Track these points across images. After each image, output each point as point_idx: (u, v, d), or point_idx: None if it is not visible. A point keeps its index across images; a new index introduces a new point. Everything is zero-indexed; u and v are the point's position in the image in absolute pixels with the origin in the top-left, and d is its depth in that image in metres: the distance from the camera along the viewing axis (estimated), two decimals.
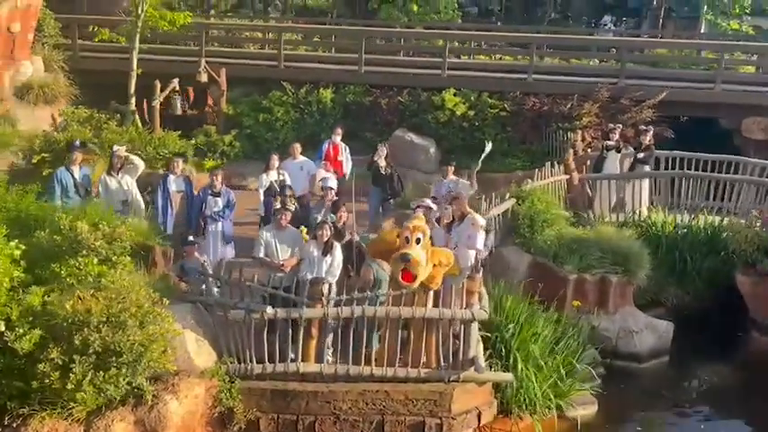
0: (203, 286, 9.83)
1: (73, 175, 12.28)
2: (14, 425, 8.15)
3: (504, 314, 10.49)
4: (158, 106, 16.79)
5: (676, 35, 29.59)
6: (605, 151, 16.09)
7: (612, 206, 15.71)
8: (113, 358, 8.11)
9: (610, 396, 11.46)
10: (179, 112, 17.39)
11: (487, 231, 12.07)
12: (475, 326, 9.48)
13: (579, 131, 17.46)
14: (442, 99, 18.88)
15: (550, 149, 18.33)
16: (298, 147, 14.84)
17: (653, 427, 11.34)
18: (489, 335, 10.30)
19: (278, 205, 10.47)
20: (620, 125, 16.29)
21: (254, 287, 9.18)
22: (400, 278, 9.02)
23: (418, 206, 10.90)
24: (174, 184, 12.36)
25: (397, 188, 14.57)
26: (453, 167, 13.30)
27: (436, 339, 9.44)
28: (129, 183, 12.47)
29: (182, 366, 9.07)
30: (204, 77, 19.31)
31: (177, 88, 17.04)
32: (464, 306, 9.48)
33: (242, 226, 13.68)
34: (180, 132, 16.60)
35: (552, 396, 10.25)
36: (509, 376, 9.77)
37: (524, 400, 10.13)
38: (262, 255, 10.04)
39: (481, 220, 10.68)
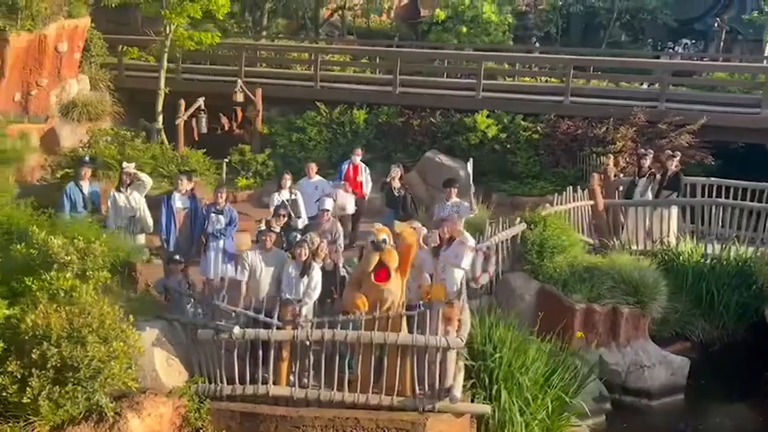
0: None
1: (81, 191, 12.49)
2: None
3: (492, 343, 10.05)
4: (182, 124, 16.97)
5: (743, 58, 28.44)
6: (637, 177, 15.50)
7: (646, 234, 15.09)
8: (71, 374, 8.07)
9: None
10: (204, 130, 17.56)
11: (486, 256, 11.73)
12: (452, 354, 9.11)
13: (611, 156, 16.83)
14: (474, 121, 18.56)
15: (584, 174, 17.76)
16: (313, 167, 14.80)
17: None
18: (474, 364, 9.90)
19: (263, 226, 10.33)
20: (652, 150, 15.63)
21: (222, 307, 9.05)
22: (373, 279, 8.80)
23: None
24: (178, 202, 12.39)
25: (410, 210, 14.31)
26: (456, 190, 12.93)
27: (411, 366, 9.11)
28: (137, 199, 12.60)
29: (149, 384, 9.02)
30: (240, 97, 19.51)
31: (203, 107, 17.18)
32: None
33: None
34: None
35: (539, 431, 9.76)
36: (486, 408, 9.37)
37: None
38: (244, 277, 9.91)
39: (471, 241, 10.33)
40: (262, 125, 20.00)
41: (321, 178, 14.82)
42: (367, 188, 15.71)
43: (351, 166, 15.66)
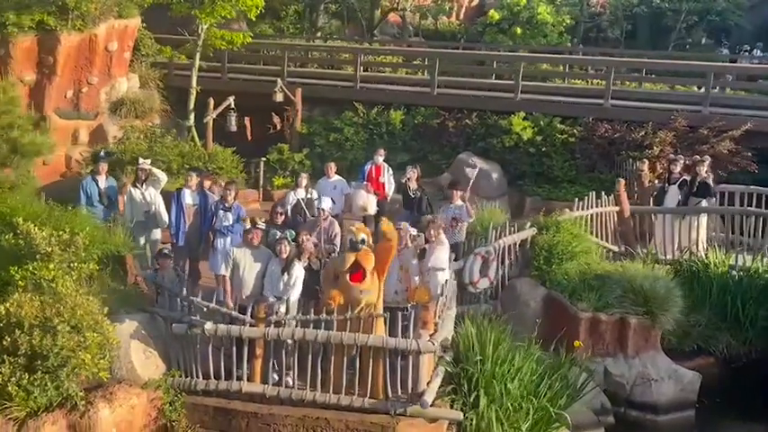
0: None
1: (98, 185, 12.83)
2: None
3: (474, 348, 9.84)
4: (211, 123, 17.25)
5: None
6: (667, 184, 14.98)
7: (673, 243, 14.55)
8: (39, 362, 8.30)
9: None
10: (234, 128, 17.80)
11: (485, 260, 11.52)
12: (424, 358, 8.96)
13: (646, 161, 16.27)
14: (509, 123, 18.25)
15: (620, 178, 17.20)
16: (332, 166, 14.84)
17: None
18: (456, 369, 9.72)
19: (259, 225, 10.32)
20: (682, 156, 15.06)
21: (196, 302, 9.15)
22: (349, 280, 8.76)
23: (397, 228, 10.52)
24: (188, 198, 12.62)
25: (425, 211, 14.12)
26: (461, 193, 12.72)
27: (384, 369, 9.01)
28: (152, 194, 12.89)
29: (125, 376, 9.20)
30: (280, 97, 19.69)
31: (232, 105, 17.43)
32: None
33: None
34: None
35: None
36: (458, 415, 9.16)
37: None
38: (227, 272, 9.99)
39: (447, 242, 10.16)
40: (301, 125, 20.13)
41: (340, 178, 14.83)
42: (389, 189, 15.62)
43: (373, 166, 15.61)
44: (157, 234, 13.05)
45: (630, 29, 32.27)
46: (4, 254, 9.30)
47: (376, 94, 20.35)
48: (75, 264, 9.25)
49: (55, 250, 9.05)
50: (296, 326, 9.06)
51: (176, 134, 17.00)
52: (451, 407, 9.47)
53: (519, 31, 26.56)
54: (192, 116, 17.73)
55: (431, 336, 9.01)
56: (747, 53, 33.69)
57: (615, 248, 14.45)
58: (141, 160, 13.08)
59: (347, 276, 8.87)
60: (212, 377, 9.32)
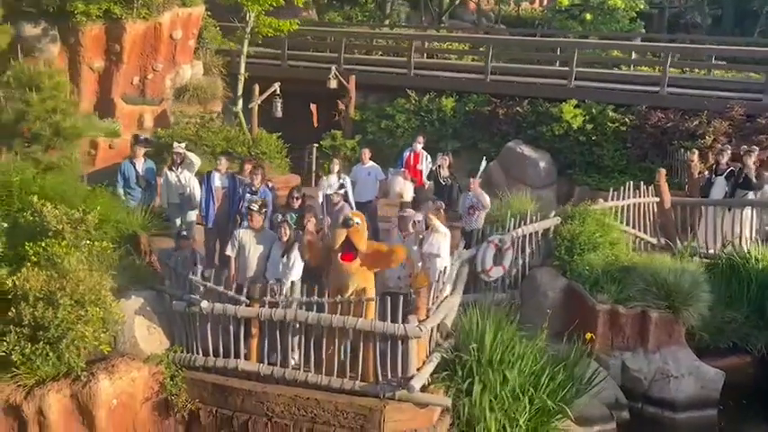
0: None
1: (135, 168, 13.33)
2: None
3: (472, 336, 9.79)
4: (257, 108, 17.59)
5: None
6: (714, 175, 14.42)
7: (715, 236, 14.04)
8: (41, 332, 8.76)
9: None
10: (279, 114, 18.08)
11: (498, 248, 11.41)
12: (413, 343, 8.98)
13: (696, 151, 15.67)
14: (560, 110, 17.89)
15: (672, 169, 16.69)
16: (367, 152, 14.96)
17: None
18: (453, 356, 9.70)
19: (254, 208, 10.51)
20: (729, 147, 14.45)
21: (195, 280, 9.44)
22: (340, 259, 8.88)
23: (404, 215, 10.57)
24: (217, 181, 12.96)
25: (456, 199, 14.10)
26: (479, 180, 12.60)
27: (374, 353, 9.09)
28: (187, 177, 13.31)
29: (128, 350, 9.60)
30: (334, 84, 19.91)
31: (278, 92, 17.73)
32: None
33: None
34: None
35: (509, 429, 9.40)
36: (446, 401, 9.16)
37: (483, 430, 9.41)
38: (233, 253, 10.26)
39: (443, 228, 10.10)
40: (354, 112, 20.31)
41: (374, 164, 14.92)
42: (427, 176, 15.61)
43: (412, 153, 15.65)
44: (192, 216, 13.44)
45: (716, 15, 31.07)
46: (23, 231, 9.80)
47: (429, 81, 20.31)
48: (87, 241, 9.67)
49: (66, 228, 9.49)
50: (286, 307, 9.19)
51: (224, 119, 17.43)
52: (446, 394, 9.48)
53: (589, 16, 25.89)
54: (240, 102, 18.14)
55: (420, 321, 8.99)
56: None
57: (654, 241, 14.02)
58: (176, 144, 13.51)
59: (338, 255, 8.98)
60: (211, 354, 9.60)
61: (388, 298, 9.10)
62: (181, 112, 17.53)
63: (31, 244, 9.46)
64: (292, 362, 9.54)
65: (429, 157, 15.73)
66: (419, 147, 15.60)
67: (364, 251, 9.01)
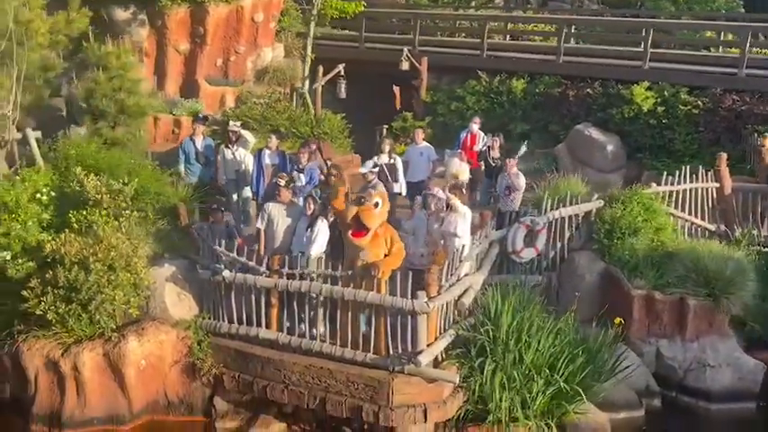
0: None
1: (195, 145, 13.93)
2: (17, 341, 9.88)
3: (488, 316, 9.82)
4: (320, 89, 17.93)
5: None
6: None
7: None
8: (74, 294, 9.41)
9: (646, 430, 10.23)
10: (343, 95, 18.37)
11: (530, 230, 11.35)
12: (422, 319, 9.10)
13: None
14: (631, 92, 17.40)
15: (745, 154, 16.00)
16: (420, 132, 15.09)
17: None
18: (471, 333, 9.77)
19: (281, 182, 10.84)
20: None
21: (218, 250, 9.86)
22: (350, 235, 9.10)
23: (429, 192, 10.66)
24: (267, 158, 13.38)
25: None
26: (516, 161, 12.48)
27: (385, 327, 9.28)
28: (242, 155, 13.84)
29: (158, 315, 10.18)
30: (406, 66, 20.07)
31: (342, 73, 18.01)
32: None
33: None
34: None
35: (520, 409, 9.40)
36: (454, 377, 9.23)
37: (495, 408, 9.45)
38: (262, 226, 10.63)
39: (462, 207, 10.11)
40: (426, 93, 20.40)
41: (428, 144, 15.01)
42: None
43: (469, 134, 15.63)
44: (248, 192, 13.93)
45: None
46: (69, 200, 10.50)
47: (502, 63, 20.11)
48: (126, 211, 10.27)
49: (104, 198, 10.11)
50: (302, 279, 9.49)
51: (289, 99, 17.91)
52: (459, 371, 9.57)
53: None
54: (306, 83, 18.55)
55: (430, 298, 9.09)
56: None
57: (712, 227, 13.54)
58: (231, 122, 14.06)
59: (350, 232, 9.19)
60: (235, 322, 10.02)
61: (399, 274, 9.24)
62: (249, 93, 18.06)
63: (75, 212, 10.12)
64: (316, 333, 9.80)
65: (486, 138, 15.66)
66: (476, 128, 15.57)
67: (375, 230, 9.12)
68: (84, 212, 10.07)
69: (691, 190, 13.47)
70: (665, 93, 17.23)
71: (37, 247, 9.79)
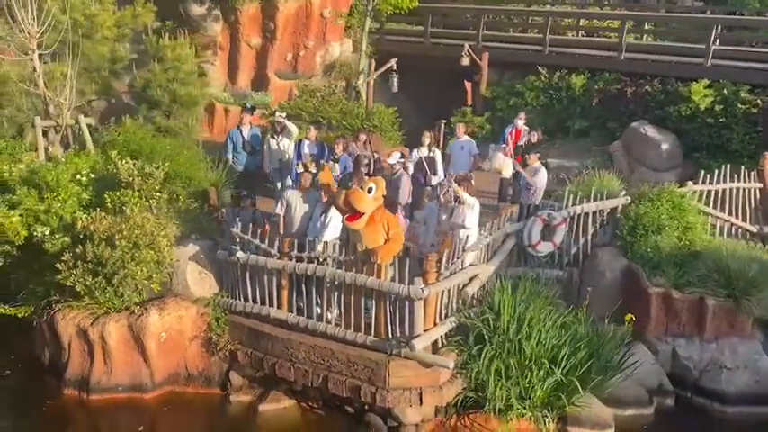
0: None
1: (242, 135, 14.58)
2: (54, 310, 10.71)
3: (489, 305, 10.00)
4: (371, 83, 18.28)
5: None
6: None
7: None
8: (100, 268, 10.14)
9: (652, 428, 10.26)
10: (395, 89, 18.65)
11: (546, 224, 11.42)
12: (419, 304, 9.36)
13: None
14: (689, 90, 17.04)
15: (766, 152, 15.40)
16: (461, 127, 15.26)
17: None
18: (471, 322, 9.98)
19: (301, 169, 11.23)
20: None
21: (234, 232, 10.39)
22: (345, 220, 9.44)
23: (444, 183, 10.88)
24: (306, 148, 13.91)
25: None
26: (538, 155, 12.50)
27: (385, 311, 9.59)
28: (286, 144, 14.42)
29: (180, 291, 10.80)
30: (466, 61, 20.23)
31: (395, 68, 18.30)
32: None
33: None
34: None
35: (518, 399, 9.54)
36: (448, 362, 9.44)
37: (492, 396, 9.64)
38: (282, 212, 11.09)
39: (469, 199, 10.26)
40: (486, 88, 20.50)
41: (469, 139, 15.18)
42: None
43: (514, 130, 15.70)
44: (290, 180, 14.46)
45: None
46: (107, 182, 11.26)
47: (564, 59, 19.99)
48: (157, 193, 10.95)
49: (136, 180, 10.81)
50: (309, 262, 9.91)
51: (346, 93, 18.38)
52: (458, 358, 9.80)
53: None
54: (361, 77, 18.97)
55: (426, 285, 9.33)
56: None
57: (753, 229, 13.21)
58: (277, 114, 14.61)
59: (345, 216, 9.51)
60: (250, 301, 10.54)
61: (401, 260, 9.54)
62: (305, 86, 18.64)
63: (110, 193, 10.86)
64: (330, 316, 10.19)
65: (530, 132, 15.70)
66: (521, 123, 15.63)
67: (372, 215, 9.40)
68: (118, 193, 10.76)
69: (731, 190, 13.13)
70: (725, 91, 16.77)
71: (72, 224, 10.53)
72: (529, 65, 20.37)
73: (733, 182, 13.24)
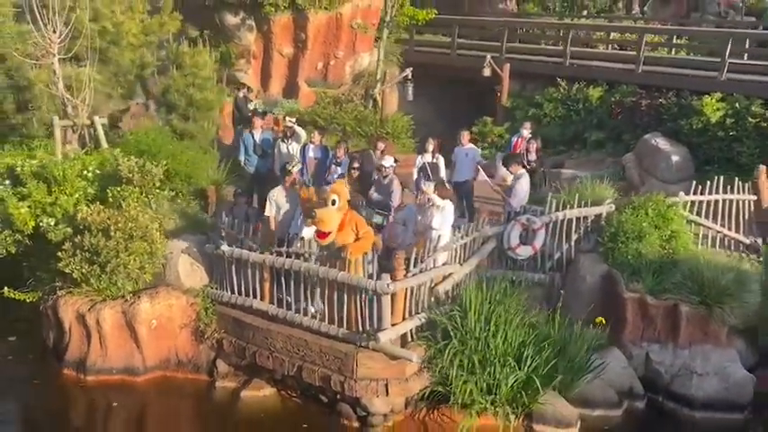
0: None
1: (253, 138, 15.26)
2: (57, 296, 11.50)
3: (455, 303, 10.43)
4: (387, 92, 18.81)
5: None
6: None
7: None
8: (95, 257, 10.88)
9: (617, 429, 10.48)
10: (411, 98, 19.13)
11: (526, 228, 11.76)
12: (387, 299, 9.81)
13: None
14: (701, 104, 17.12)
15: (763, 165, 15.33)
16: (466, 134, 15.64)
17: None
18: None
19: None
20: None
21: (220, 225, 11.03)
22: (316, 237, 9.99)
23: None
24: (311, 152, 14.50)
25: (537, 183, 14.40)
26: (516, 165, 12.83)
27: (355, 305, 10.08)
28: (294, 149, 15.02)
29: (172, 281, 11.46)
30: (488, 72, 20.65)
31: (410, 77, 18.79)
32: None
33: None
34: None
35: (477, 394, 9.91)
36: (412, 355, 9.87)
37: (456, 390, 10.02)
38: (271, 213, 11.65)
39: (439, 201, 10.67)
40: (507, 99, 20.86)
41: (473, 146, 15.59)
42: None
43: (519, 138, 16.05)
44: None
45: None
46: (112, 178, 12.02)
47: (583, 71, 20.24)
48: (154, 189, 11.67)
49: (135, 177, 11.54)
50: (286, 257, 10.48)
51: (363, 101, 18.95)
52: (426, 352, 10.24)
53: None
54: (377, 86, 19.52)
55: (393, 281, 9.78)
56: None
57: (746, 240, 13.29)
58: (287, 119, 15.24)
59: (314, 233, 10.05)
60: (235, 292, 11.15)
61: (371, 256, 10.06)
62: (324, 93, 19.27)
63: (112, 188, 11.62)
64: (311, 310, 10.73)
65: (535, 142, 16.02)
66: (525, 132, 15.96)
67: (342, 218, 9.90)
68: (119, 189, 11.51)
69: (725, 201, 13.25)
70: (737, 104, 16.80)
71: (74, 216, 11.31)
72: (551, 77, 20.67)
73: (726, 193, 13.27)
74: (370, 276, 9.90)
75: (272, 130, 15.97)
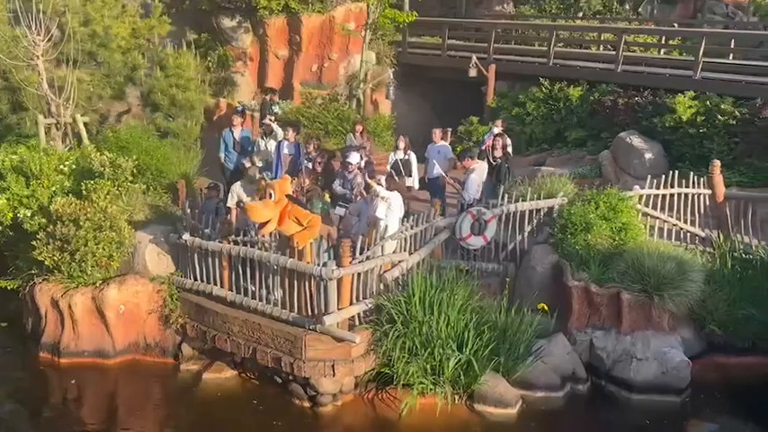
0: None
1: (234, 135, 15.92)
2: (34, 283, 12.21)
3: (401, 288, 10.98)
4: (368, 91, 19.37)
5: None
6: None
7: None
8: (65, 245, 11.57)
9: (556, 410, 10.94)
10: (392, 98, 19.67)
11: (476, 219, 12.25)
12: (332, 285, 10.38)
13: None
14: (674, 102, 17.50)
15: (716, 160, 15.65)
16: (438, 132, 16.13)
17: None
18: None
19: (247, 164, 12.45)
20: None
21: (183, 217, 11.67)
22: (258, 230, 10.60)
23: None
24: (285, 149, 15.11)
25: (503, 179, 14.81)
26: (473, 160, 13.33)
27: (305, 290, 10.66)
28: (272, 146, 15.64)
29: (139, 270, 12.11)
30: (473, 72, 21.15)
31: (391, 77, 19.34)
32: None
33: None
34: None
35: (420, 375, 10.45)
36: (354, 337, 10.42)
37: (400, 371, 10.58)
38: (232, 204, 12.26)
39: (385, 193, 11.20)
40: (493, 99, 21.34)
41: (445, 143, 16.08)
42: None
43: (492, 137, 16.49)
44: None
45: None
46: (87, 172, 12.72)
47: (566, 71, 20.64)
48: (124, 183, 12.35)
49: (107, 170, 12.23)
50: (241, 245, 11.09)
51: (346, 100, 19.51)
52: (372, 336, 10.81)
53: None
54: (361, 86, 20.09)
55: (338, 268, 10.35)
56: None
57: (701, 233, 13.69)
58: (267, 118, 15.87)
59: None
60: (198, 279, 11.78)
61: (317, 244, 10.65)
62: (309, 93, 19.89)
63: (86, 181, 12.31)
64: (273, 298, 11.33)
65: (509, 140, 16.48)
66: (496, 130, 16.44)
67: (280, 214, 10.42)
68: (92, 182, 12.19)
69: (680, 195, 13.66)
70: (708, 103, 17.15)
71: (48, 207, 12.01)
72: (536, 77, 21.10)
73: (681, 187, 13.67)
74: (322, 264, 10.46)
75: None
